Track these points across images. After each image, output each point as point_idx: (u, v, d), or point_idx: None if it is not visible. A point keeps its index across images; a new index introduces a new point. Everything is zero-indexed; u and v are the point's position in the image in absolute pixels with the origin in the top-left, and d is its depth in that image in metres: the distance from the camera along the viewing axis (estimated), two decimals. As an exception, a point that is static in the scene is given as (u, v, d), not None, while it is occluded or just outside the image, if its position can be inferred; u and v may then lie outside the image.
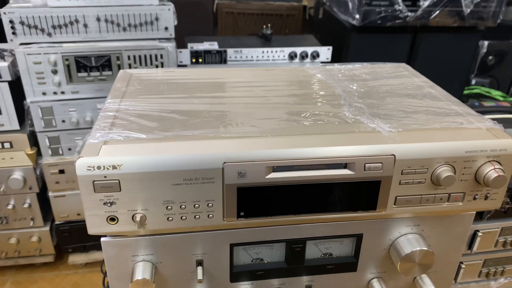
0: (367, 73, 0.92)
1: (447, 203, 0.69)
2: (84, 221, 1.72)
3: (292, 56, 1.94)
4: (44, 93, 1.67)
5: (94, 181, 0.58)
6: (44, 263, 2.06)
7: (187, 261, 0.71)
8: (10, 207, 1.83)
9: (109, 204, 0.61)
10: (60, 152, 1.79)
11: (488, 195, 0.69)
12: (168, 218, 0.63)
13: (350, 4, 1.88)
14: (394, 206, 0.68)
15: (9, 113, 1.69)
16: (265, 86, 0.86)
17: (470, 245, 0.89)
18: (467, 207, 0.70)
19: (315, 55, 1.96)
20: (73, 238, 1.99)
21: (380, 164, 0.63)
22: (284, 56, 1.94)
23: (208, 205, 0.63)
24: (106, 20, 1.64)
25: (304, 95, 0.81)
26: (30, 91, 1.65)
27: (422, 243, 0.74)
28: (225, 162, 0.61)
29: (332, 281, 0.78)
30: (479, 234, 0.87)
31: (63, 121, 1.73)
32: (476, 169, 0.66)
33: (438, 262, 0.79)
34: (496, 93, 2.36)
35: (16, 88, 1.65)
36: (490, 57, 2.46)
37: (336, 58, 1.93)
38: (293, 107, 0.76)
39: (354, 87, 0.84)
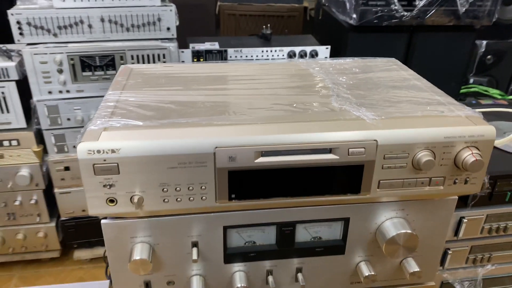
0: (357, 67, 0.96)
1: (428, 187, 0.73)
2: (90, 217, 1.78)
3: (291, 55, 1.98)
4: (50, 92, 1.72)
5: (94, 164, 0.63)
6: (50, 258, 2.12)
7: (183, 243, 0.75)
8: (17, 203, 1.89)
9: (108, 186, 0.65)
10: (66, 149, 1.85)
11: (468, 179, 0.73)
12: (164, 200, 0.68)
13: (347, 4, 1.92)
14: (378, 189, 0.72)
15: (17, 112, 1.74)
16: (258, 79, 0.90)
17: (456, 232, 0.92)
18: (448, 191, 0.74)
19: (314, 54, 2.00)
20: (78, 234, 2.04)
21: (363, 149, 0.67)
22: (283, 55, 1.99)
23: (201, 187, 0.68)
24: (110, 21, 1.69)
25: (294, 87, 0.86)
26: (36, 90, 1.71)
27: (407, 227, 0.77)
28: (216, 147, 0.65)
29: (322, 264, 0.82)
30: (465, 220, 0.90)
31: (68, 119, 1.78)
32: (455, 154, 0.70)
33: (423, 246, 0.83)
34: (494, 92, 2.38)
35: (23, 87, 1.71)
36: (489, 57, 2.49)
37: (335, 57, 1.97)
38: (283, 98, 0.80)
39: (343, 80, 0.88)
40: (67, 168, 1.87)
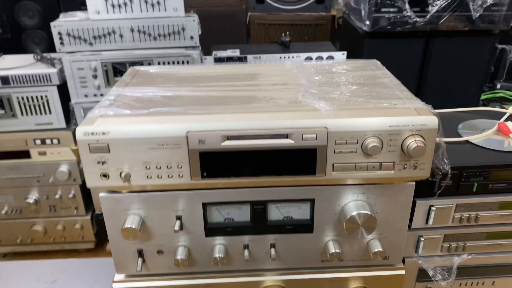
0: (337, 68, 1.06)
1: (380, 171, 0.82)
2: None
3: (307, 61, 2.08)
4: (86, 95, 1.91)
5: (89, 144, 0.77)
6: (87, 249, 2.29)
7: (169, 216, 0.88)
8: (57, 196, 2.07)
9: (101, 163, 0.79)
10: (100, 147, 2.02)
11: (416, 165, 0.81)
12: (147, 176, 0.81)
13: (362, 12, 2.00)
14: (333, 172, 0.82)
15: (57, 113, 1.94)
16: (243, 78, 1.02)
17: (427, 219, 0.99)
18: (399, 175, 0.82)
19: (330, 59, 2.09)
20: (111, 226, 2.20)
21: (315, 135, 0.78)
22: (300, 60, 2.09)
23: (178, 166, 0.80)
24: (139, 31, 1.86)
25: (271, 85, 0.97)
26: (74, 94, 1.90)
27: (367, 208, 0.86)
28: (188, 131, 0.78)
29: (293, 241, 0.92)
30: (433, 209, 0.97)
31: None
32: (401, 141, 0.79)
33: (386, 228, 0.91)
34: (521, 97, 2.36)
35: (63, 91, 1.91)
36: (518, 62, 2.46)
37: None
38: (257, 93, 0.92)
39: (317, 78, 0.98)
40: (101, 165, 2.04)
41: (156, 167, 0.80)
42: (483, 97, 2.33)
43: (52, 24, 1.81)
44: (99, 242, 2.29)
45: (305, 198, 0.87)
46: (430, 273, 1.02)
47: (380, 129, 0.78)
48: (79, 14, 1.93)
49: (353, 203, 0.87)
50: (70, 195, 2.08)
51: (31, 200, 2.06)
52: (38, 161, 2.01)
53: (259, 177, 0.82)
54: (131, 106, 0.85)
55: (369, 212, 0.85)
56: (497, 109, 1.33)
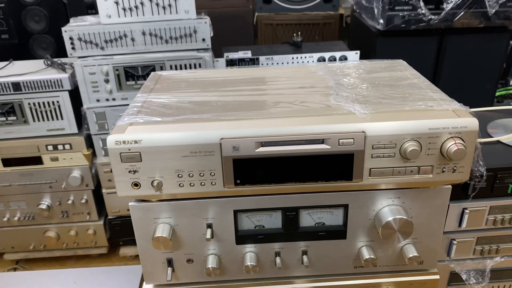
0: (363, 69, 1.04)
1: (418, 175, 0.80)
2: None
3: (320, 61, 2.06)
4: (98, 100, 1.89)
5: (121, 153, 0.76)
6: (99, 254, 2.27)
7: (199, 224, 0.86)
8: (69, 202, 2.06)
9: (133, 172, 0.77)
10: (112, 152, 2.00)
11: (455, 168, 0.79)
12: (179, 184, 0.79)
13: (375, 10, 1.98)
14: (369, 177, 0.80)
15: (69, 118, 1.93)
16: (268, 81, 1.00)
17: (460, 222, 0.97)
18: (438, 179, 0.80)
19: (343, 60, 2.07)
20: (124, 231, 2.18)
21: (352, 139, 0.76)
22: (313, 61, 2.06)
23: (211, 174, 0.78)
24: (151, 34, 1.85)
25: (299, 88, 0.95)
26: (86, 99, 1.88)
27: (403, 213, 0.84)
28: (222, 138, 0.76)
29: (326, 247, 0.90)
30: (467, 211, 0.95)
31: (114, 125, 1.94)
32: (440, 144, 0.77)
33: (422, 232, 0.89)
34: (535, 93, 2.34)
35: (75, 96, 1.90)
36: (534, 59, 2.44)
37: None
38: (287, 97, 0.90)
39: (346, 80, 0.96)
40: (113, 170, 2.02)
41: (189, 175, 0.78)
42: (497, 94, 2.31)
43: (63, 29, 1.79)
44: (112, 247, 2.28)
45: (338, 204, 0.85)
46: (464, 276, 1.00)
47: (419, 132, 0.76)
48: (89, 19, 1.92)
49: (387, 208, 0.85)
50: (83, 201, 2.07)
51: (43, 206, 2.05)
52: (50, 167, 1.99)
53: (293, 184, 0.80)
54: (160, 113, 0.83)
55: (405, 217, 0.83)
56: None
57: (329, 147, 0.76)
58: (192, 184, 0.79)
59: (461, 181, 0.81)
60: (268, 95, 0.92)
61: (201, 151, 0.76)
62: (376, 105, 0.83)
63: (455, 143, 0.75)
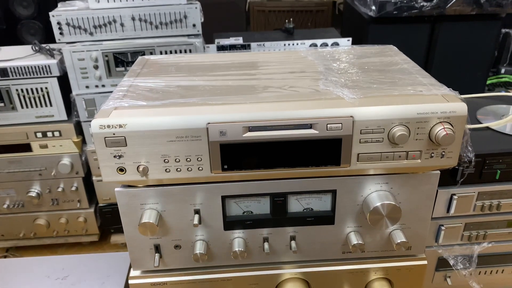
0: (353, 54, 1.03)
1: (406, 160, 0.79)
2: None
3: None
4: (87, 87, 1.87)
5: (105, 137, 0.74)
6: (90, 242, 2.27)
7: (186, 210, 0.85)
8: (60, 190, 2.05)
9: (118, 157, 0.76)
10: (102, 139, 1.98)
11: (444, 153, 0.79)
12: (165, 170, 0.78)
13: (368, -3, 1.96)
14: (357, 162, 0.79)
15: (58, 105, 1.90)
16: (258, 66, 0.99)
17: (449, 208, 0.97)
18: (426, 164, 0.80)
19: (335, 46, 2.05)
20: (115, 219, 2.17)
21: (340, 124, 0.75)
22: (305, 47, 2.05)
23: (197, 159, 0.78)
24: (140, 19, 1.82)
25: (289, 73, 0.94)
26: (75, 85, 1.86)
27: (391, 198, 0.84)
28: (209, 123, 0.75)
29: (314, 233, 0.90)
30: (455, 197, 0.95)
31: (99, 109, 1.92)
32: (429, 129, 0.76)
33: (410, 218, 0.89)
34: (525, 81, 2.34)
35: (64, 82, 1.87)
36: (523, 46, 2.44)
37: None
38: (276, 82, 0.89)
39: (335, 65, 0.95)
40: (103, 157, 2.00)
41: (175, 160, 0.77)
42: (488, 82, 2.32)
43: (51, 14, 1.76)
44: (103, 235, 2.27)
45: (326, 189, 0.85)
46: (451, 262, 1.00)
47: (407, 117, 0.75)
48: (78, 3, 1.88)
49: (376, 194, 0.85)
50: (73, 188, 2.06)
51: (33, 193, 2.04)
52: (40, 154, 1.98)
53: (281, 169, 0.80)
54: (146, 97, 0.82)
55: (393, 203, 0.83)
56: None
57: (317, 132, 0.75)
58: (178, 169, 0.78)
59: (449, 166, 0.80)
60: (258, 80, 0.90)
61: (188, 136, 0.75)
62: (365, 89, 0.82)
63: (444, 128, 0.74)
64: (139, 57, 1.05)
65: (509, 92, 2.24)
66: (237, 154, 0.77)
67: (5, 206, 2.06)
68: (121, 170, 0.78)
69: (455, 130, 0.75)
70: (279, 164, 0.79)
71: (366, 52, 1.04)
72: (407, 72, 0.91)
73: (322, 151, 0.78)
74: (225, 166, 0.78)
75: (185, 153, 0.77)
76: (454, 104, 0.76)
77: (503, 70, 2.57)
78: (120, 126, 0.73)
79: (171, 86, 0.87)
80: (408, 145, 0.78)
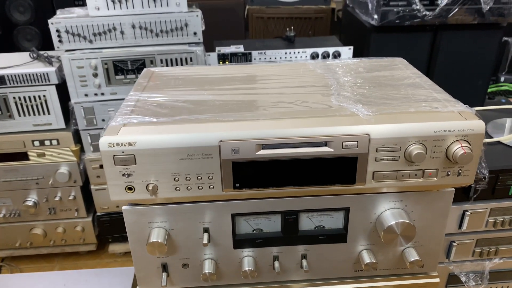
0: (363, 67, 1.01)
1: (422, 178, 0.77)
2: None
3: (314, 57, 2.03)
4: (86, 95, 1.85)
5: (114, 155, 0.72)
6: (87, 251, 2.23)
7: (195, 228, 0.83)
8: (57, 198, 2.02)
9: (126, 176, 0.74)
10: (101, 148, 1.96)
11: (460, 171, 0.77)
12: (176, 188, 0.76)
13: (369, 5, 1.95)
14: (373, 180, 0.77)
15: (56, 113, 1.88)
16: (266, 79, 0.97)
17: (460, 225, 0.95)
18: (442, 182, 0.78)
19: (337, 55, 2.04)
20: (113, 228, 2.15)
21: (356, 142, 0.73)
22: (306, 56, 2.04)
23: (209, 177, 0.75)
24: (141, 27, 1.80)
25: (299, 87, 0.92)
26: (74, 93, 1.83)
27: (405, 217, 0.82)
28: (221, 140, 0.72)
29: (325, 251, 0.88)
30: (468, 213, 0.93)
31: (103, 120, 1.90)
32: (446, 147, 0.75)
33: (423, 236, 0.87)
34: (525, 90, 2.35)
35: (62, 90, 1.84)
36: (521, 54, 2.45)
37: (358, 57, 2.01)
38: (287, 97, 0.87)
39: (347, 79, 0.93)
40: (102, 166, 1.96)
41: (186, 178, 0.75)
42: (488, 90, 2.31)
43: (50, 21, 1.73)
44: (101, 244, 2.24)
45: (340, 207, 0.83)
46: (463, 278, 0.99)
47: (424, 134, 0.73)
48: (77, 11, 1.86)
49: (389, 212, 0.83)
50: (71, 197, 2.03)
51: (30, 202, 2.00)
52: (37, 162, 1.95)
53: (294, 188, 0.78)
54: (155, 113, 0.80)
55: (408, 221, 0.81)
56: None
57: (332, 150, 0.73)
58: (189, 187, 0.76)
59: (465, 184, 0.79)
60: (267, 94, 0.88)
61: (199, 154, 0.73)
62: (379, 106, 0.80)
63: (462, 146, 0.73)
64: (144, 70, 1.02)
65: (510, 100, 2.24)
66: (249, 172, 0.75)
67: (1, 215, 2.03)
68: (130, 188, 0.75)
69: (472, 148, 0.74)
70: (292, 182, 0.77)
71: (375, 65, 1.03)
72: (420, 86, 0.89)
73: (337, 169, 0.76)
74: (237, 185, 0.76)
75: (196, 171, 0.75)
76: (472, 122, 0.74)
77: (502, 79, 2.57)
78: (130, 144, 0.71)
79: (180, 101, 0.85)
80: (425, 163, 0.76)
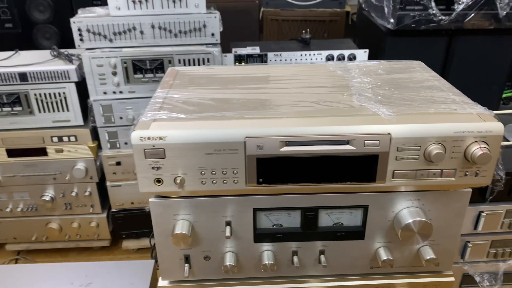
0: (382, 69, 1.04)
1: (440, 178, 0.80)
2: (137, 209, 1.92)
3: (329, 59, 2.05)
4: (105, 93, 1.88)
5: (145, 149, 0.75)
6: (101, 247, 2.27)
7: (218, 222, 0.86)
8: (73, 194, 2.06)
9: (156, 168, 0.77)
10: (118, 145, 2.00)
11: (478, 171, 0.79)
12: (202, 182, 0.79)
13: (385, 9, 1.97)
14: (392, 179, 0.80)
15: (75, 110, 1.92)
16: (288, 80, 1.00)
17: (476, 225, 0.97)
18: (460, 182, 0.80)
19: (352, 58, 2.06)
20: (127, 225, 2.18)
21: (378, 141, 0.75)
22: (321, 58, 2.06)
23: (233, 172, 0.78)
24: (160, 27, 1.83)
25: (321, 87, 0.95)
26: (93, 91, 1.87)
27: (422, 215, 0.84)
28: (246, 137, 0.75)
29: (343, 248, 0.90)
30: (483, 214, 0.95)
31: (121, 117, 1.93)
32: (465, 148, 0.77)
33: (439, 235, 0.89)
34: (542, 95, 2.34)
35: (81, 88, 1.88)
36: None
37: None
38: (309, 96, 0.89)
39: (367, 80, 0.96)
40: (118, 163, 2.01)
41: (212, 172, 0.78)
42: (503, 95, 2.32)
43: (72, 20, 1.78)
44: (114, 240, 2.28)
45: (359, 205, 0.85)
46: (477, 279, 1.00)
47: (444, 135, 0.76)
48: (98, 10, 1.90)
49: (407, 210, 0.85)
50: (86, 193, 2.07)
51: (47, 197, 2.04)
52: (55, 158, 1.99)
53: (315, 184, 0.80)
54: (182, 109, 0.83)
55: (425, 219, 0.83)
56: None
57: (354, 148, 0.76)
58: (214, 181, 0.79)
59: (483, 185, 0.81)
60: (289, 93, 0.91)
61: (225, 149, 0.76)
62: (400, 107, 0.82)
63: (480, 147, 0.75)
64: (169, 69, 1.06)
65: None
66: (273, 168, 0.78)
67: (18, 209, 2.07)
68: (158, 181, 0.78)
69: (491, 149, 0.76)
70: (314, 179, 0.80)
71: (395, 68, 1.05)
72: (438, 89, 0.92)
73: (358, 167, 0.78)
74: (261, 180, 0.79)
75: (221, 166, 0.78)
76: (491, 123, 0.76)
77: (518, 84, 2.57)
78: (160, 138, 0.74)
79: (205, 99, 0.88)
80: (443, 163, 0.78)
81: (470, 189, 0.85)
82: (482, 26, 1.92)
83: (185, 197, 0.83)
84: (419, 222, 0.83)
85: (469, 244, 0.99)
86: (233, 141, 0.75)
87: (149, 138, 0.74)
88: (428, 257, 0.88)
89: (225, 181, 0.79)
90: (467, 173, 0.79)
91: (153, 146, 0.74)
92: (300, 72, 1.06)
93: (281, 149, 0.76)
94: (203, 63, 1.88)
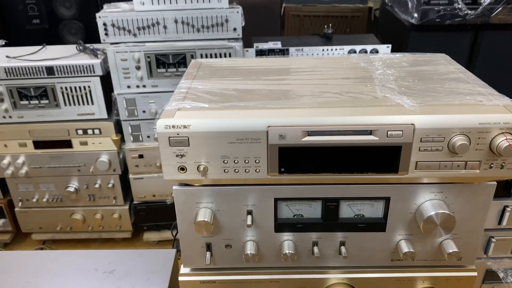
0: (406, 61, 1.03)
1: (464, 170, 0.79)
2: (159, 202, 1.96)
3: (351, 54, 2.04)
4: (128, 86, 1.92)
5: (170, 137, 0.76)
6: (123, 238, 2.31)
7: (240, 210, 0.87)
8: (97, 186, 2.10)
9: (180, 156, 0.78)
10: (140, 139, 2.03)
11: (504, 164, 0.78)
12: (224, 170, 0.80)
13: (409, 4, 1.95)
14: (415, 170, 0.79)
15: (99, 104, 1.96)
16: (311, 71, 1.00)
17: (500, 220, 0.96)
18: (484, 175, 0.79)
19: (374, 53, 2.05)
20: (148, 217, 2.22)
21: (401, 131, 0.75)
22: (343, 53, 2.05)
23: (255, 161, 0.79)
24: (183, 22, 1.85)
25: (344, 78, 0.94)
26: (117, 85, 1.91)
27: (445, 208, 0.83)
28: (269, 126, 0.76)
29: (364, 239, 0.90)
30: (508, 209, 0.93)
31: (144, 111, 1.97)
32: (490, 140, 0.76)
33: (462, 229, 0.88)
34: None
35: (106, 82, 1.92)
36: None
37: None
38: (332, 87, 0.90)
39: (390, 72, 0.95)
40: (141, 156, 2.05)
41: (234, 161, 0.79)
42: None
43: (97, 14, 1.81)
44: (135, 232, 2.32)
45: (381, 196, 0.85)
46: (501, 275, 0.99)
47: (469, 126, 0.75)
48: (122, 5, 1.93)
49: (429, 202, 0.85)
50: (109, 185, 2.11)
51: (71, 189, 2.09)
52: (79, 150, 2.03)
53: (336, 174, 0.80)
54: (206, 99, 0.84)
55: (448, 212, 0.82)
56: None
57: (377, 138, 0.76)
58: (236, 170, 0.80)
59: (508, 177, 0.79)
60: (312, 85, 0.92)
61: (248, 138, 0.77)
62: (424, 97, 0.82)
63: (506, 139, 0.74)
64: (193, 61, 1.07)
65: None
66: (295, 158, 0.78)
67: (44, 200, 2.12)
68: (182, 169, 0.80)
69: (517, 141, 0.75)
70: (335, 169, 0.80)
71: (419, 60, 1.04)
72: (464, 81, 0.91)
73: (381, 158, 0.78)
74: (282, 169, 0.79)
75: (244, 154, 0.78)
76: (517, 115, 0.75)
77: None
78: (185, 126, 0.75)
79: (228, 89, 0.89)
80: (468, 155, 0.77)
81: (495, 182, 0.83)
82: (509, 21, 1.88)
83: (208, 186, 0.84)
84: (442, 214, 0.82)
85: (493, 239, 0.98)
86: (255, 130, 0.76)
87: (173, 126, 0.75)
88: (451, 251, 0.87)
89: (247, 170, 0.80)
90: (492, 165, 0.78)
91: (178, 134, 0.76)
92: (322, 64, 1.06)
93: (303, 139, 0.76)
94: (225, 58, 1.89)
